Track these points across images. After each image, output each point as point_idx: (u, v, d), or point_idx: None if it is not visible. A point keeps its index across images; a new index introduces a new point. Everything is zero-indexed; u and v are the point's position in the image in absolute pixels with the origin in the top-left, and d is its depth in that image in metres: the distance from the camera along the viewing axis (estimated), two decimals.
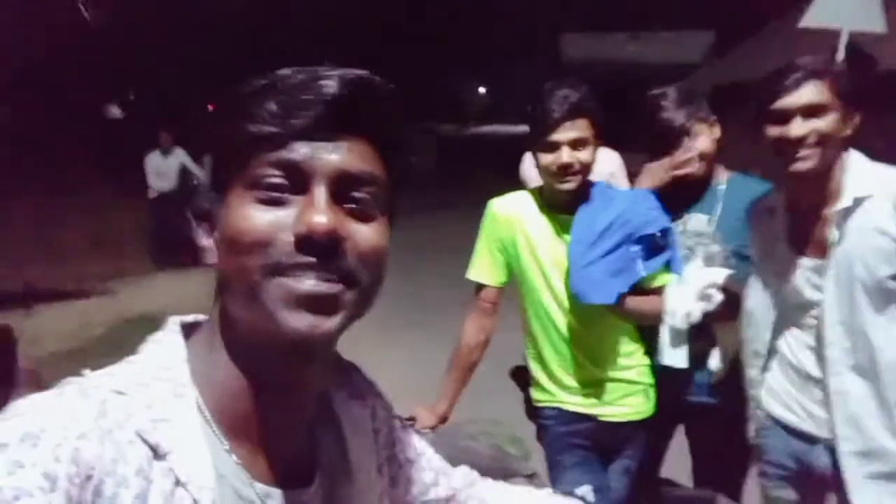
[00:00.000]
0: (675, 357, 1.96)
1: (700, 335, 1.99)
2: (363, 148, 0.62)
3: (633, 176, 2.63)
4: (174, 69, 12.81)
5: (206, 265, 0.64)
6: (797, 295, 1.74)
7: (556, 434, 2.06)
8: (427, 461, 0.89)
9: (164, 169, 8.33)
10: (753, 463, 2.02)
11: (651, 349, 2.03)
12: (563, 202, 1.93)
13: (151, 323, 0.68)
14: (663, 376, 1.99)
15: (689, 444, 2.27)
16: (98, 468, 0.53)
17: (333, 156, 0.60)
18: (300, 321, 0.57)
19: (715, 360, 2.02)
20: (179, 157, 8.42)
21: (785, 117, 1.61)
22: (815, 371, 1.73)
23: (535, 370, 2.09)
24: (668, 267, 1.94)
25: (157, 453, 0.57)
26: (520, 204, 2.03)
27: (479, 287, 2.09)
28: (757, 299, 1.85)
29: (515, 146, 2.95)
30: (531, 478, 1.72)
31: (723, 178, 2.12)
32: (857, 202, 1.60)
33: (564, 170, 1.83)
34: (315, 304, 0.58)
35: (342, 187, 0.61)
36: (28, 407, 0.55)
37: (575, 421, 2.02)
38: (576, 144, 1.82)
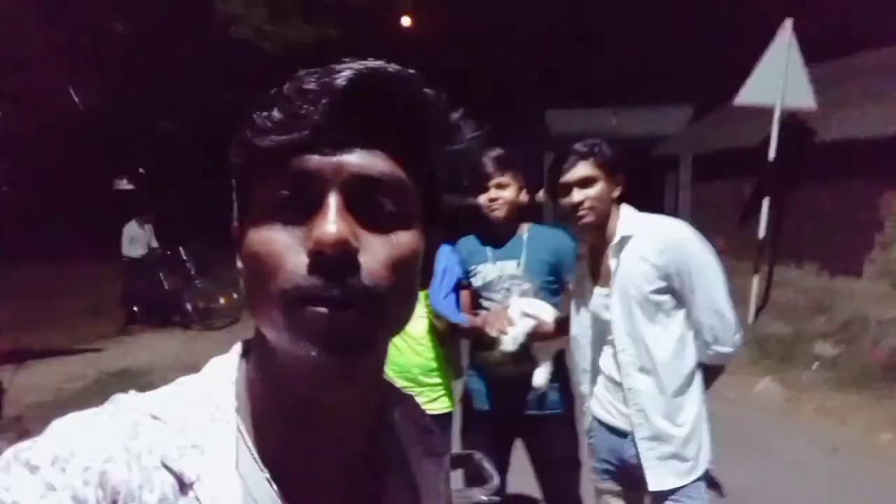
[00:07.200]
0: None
1: (524, 358, 2.43)
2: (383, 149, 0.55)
3: None
4: (179, 149, 13.37)
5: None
6: (598, 317, 2.18)
7: None
8: None
9: (138, 237, 9.02)
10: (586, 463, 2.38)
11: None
12: None
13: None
14: (497, 394, 2.44)
15: (529, 455, 2.61)
16: (123, 493, 0.51)
17: (346, 158, 0.53)
18: (321, 357, 0.52)
19: (538, 378, 2.43)
20: (151, 231, 9.18)
21: (567, 189, 2.09)
22: (618, 376, 2.15)
23: None
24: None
25: (182, 483, 0.54)
26: None
27: None
28: (577, 326, 2.30)
29: None
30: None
31: (524, 230, 2.57)
32: (625, 239, 2.08)
33: None
34: (336, 344, 0.52)
35: (360, 194, 0.54)
36: (61, 428, 0.54)
37: None
38: None
